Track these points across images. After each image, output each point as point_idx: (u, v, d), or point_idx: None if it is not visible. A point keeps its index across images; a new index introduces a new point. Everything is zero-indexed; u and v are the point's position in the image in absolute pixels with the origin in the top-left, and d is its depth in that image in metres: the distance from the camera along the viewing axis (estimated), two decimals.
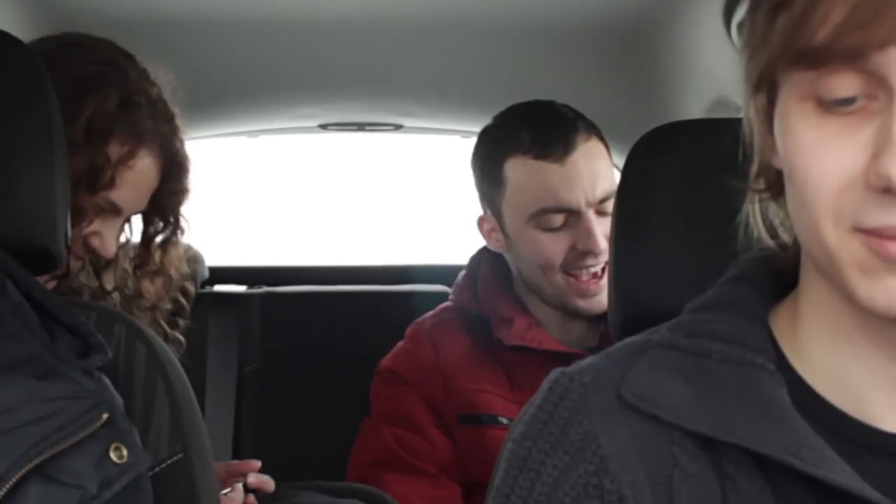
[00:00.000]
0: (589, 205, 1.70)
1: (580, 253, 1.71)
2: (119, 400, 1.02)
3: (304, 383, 2.32)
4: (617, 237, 1.15)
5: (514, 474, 0.82)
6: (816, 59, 0.68)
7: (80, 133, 1.35)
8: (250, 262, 2.79)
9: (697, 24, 1.78)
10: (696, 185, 1.09)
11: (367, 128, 2.54)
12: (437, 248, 3.40)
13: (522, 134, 1.73)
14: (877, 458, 0.76)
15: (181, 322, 1.64)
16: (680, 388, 0.79)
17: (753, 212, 0.83)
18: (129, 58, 1.46)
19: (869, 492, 0.72)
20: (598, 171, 1.72)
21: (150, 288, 1.54)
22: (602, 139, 1.77)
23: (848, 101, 0.69)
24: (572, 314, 1.77)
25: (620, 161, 1.23)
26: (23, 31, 1.27)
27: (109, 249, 1.43)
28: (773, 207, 0.82)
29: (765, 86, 0.75)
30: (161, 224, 1.54)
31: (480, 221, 1.84)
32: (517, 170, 1.74)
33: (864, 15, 0.66)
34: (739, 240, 0.84)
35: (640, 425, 0.79)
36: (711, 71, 1.85)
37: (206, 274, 2.47)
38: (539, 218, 1.72)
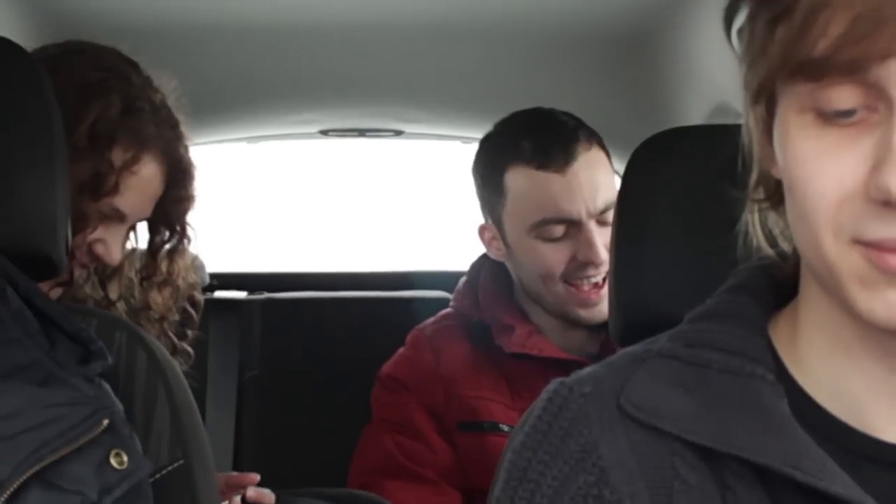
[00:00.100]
0: (590, 215, 1.70)
1: (581, 263, 1.71)
2: (119, 406, 1.02)
3: (304, 389, 2.32)
4: (617, 243, 1.15)
5: (514, 485, 0.82)
6: (816, 71, 0.68)
7: (84, 139, 1.35)
8: (251, 268, 2.79)
9: (698, 30, 1.78)
10: (697, 190, 1.09)
11: (368, 134, 2.54)
12: (438, 254, 3.40)
13: (523, 143, 1.73)
14: (877, 468, 0.76)
15: (190, 333, 1.62)
16: (680, 398, 0.79)
17: (752, 221, 0.83)
18: (132, 65, 1.46)
19: (870, 503, 0.72)
20: (598, 181, 1.72)
21: (158, 299, 1.53)
22: (603, 148, 1.76)
23: (848, 113, 0.69)
24: (573, 323, 1.77)
25: (621, 167, 1.23)
26: (26, 39, 1.27)
27: (114, 257, 1.42)
28: (772, 216, 0.82)
29: (764, 97, 0.75)
30: (167, 233, 1.53)
31: (481, 230, 1.84)
32: (518, 179, 1.73)
33: (864, 27, 0.66)
34: (739, 248, 0.84)
35: (640, 436, 0.79)
36: (712, 77, 1.85)
37: (207, 280, 2.47)
38: (540, 228, 1.72)
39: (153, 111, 1.43)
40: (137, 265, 1.54)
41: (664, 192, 1.12)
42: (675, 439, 0.78)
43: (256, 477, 1.63)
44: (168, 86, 1.49)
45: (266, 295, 2.48)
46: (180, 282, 1.56)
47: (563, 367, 1.68)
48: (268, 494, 1.62)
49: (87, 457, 0.95)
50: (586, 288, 1.73)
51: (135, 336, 1.13)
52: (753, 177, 0.81)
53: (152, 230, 1.53)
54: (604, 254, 1.67)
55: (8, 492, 0.88)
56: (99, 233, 1.40)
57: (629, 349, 0.87)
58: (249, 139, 2.65)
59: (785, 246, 0.83)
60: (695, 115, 1.96)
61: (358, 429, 1.87)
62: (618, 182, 1.24)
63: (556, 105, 1.80)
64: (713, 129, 1.28)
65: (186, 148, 1.50)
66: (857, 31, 0.66)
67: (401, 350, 1.89)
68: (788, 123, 0.72)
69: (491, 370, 1.78)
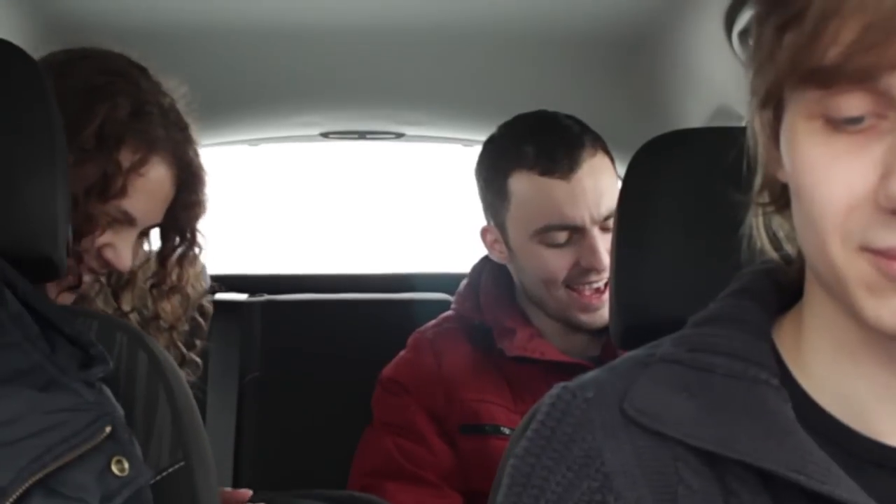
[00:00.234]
0: (593, 222, 1.70)
1: (583, 269, 1.71)
2: (120, 411, 1.02)
3: (305, 392, 2.32)
4: (618, 245, 1.15)
5: (518, 491, 0.81)
6: (826, 78, 0.68)
7: (91, 140, 1.35)
8: (252, 270, 2.79)
9: (698, 33, 1.78)
10: (697, 193, 1.09)
11: (369, 136, 2.54)
12: (439, 256, 3.40)
13: (527, 148, 1.72)
14: (882, 473, 0.76)
15: (199, 343, 1.62)
16: (683, 403, 0.79)
17: (757, 224, 0.82)
18: (141, 70, 1.46)
19: None
20: (603, 187, 1.71)
21: (167, 307, 1.52)
22: (607, 153, 1.76)
23: (857, 120, 0.68)
24: (574, 327, 1.77)
25: (621, 169, 1.23)
26: (26, 41, 1.27)
27: (124, 262, 1.41)
28: (777, 219, 0.82)
29: (772, 102, 0.74)
30: (177, 239, 1.52)
31: (484, 232, 1.84)
32: (522, 185, 1.73)
33: (876, 36, 0.65)
34: (743, 252, 0.84)
35: (644, 441, 0.79)
36: (712, 80, 1.85)
37: (208, 282, 2.47)
38: (543, 234, 1.72)
39: (162, 114, 1.43)
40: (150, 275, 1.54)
41: (664, 195, 1.12)
42: (678, 444, 0.78)
43: (249, 492, 1.62)
44: (178, 91, 1.49)
45: (267, 297, 2.47)
46: (189, 289, 1.55)
47: (565, 370, 1.69)
48: None
49: (88, 464, 0.94)
50: (588, 293, 1.73)
51: (136, 338, 1.13)
52: (758, 180, 0.81)
53: (163, 237, 1.52)
54: (607, 260, 1.67)
55: (11, 499, 0.88)
56: (108, 237, 1.39)
57: (631, 353, 0.87)
58: (250, 141, 2.65)
59: (789, 249, 0.83)
60: (695, 117, 1.96)
61: (359, 431, 1.87)
62: (619, 184, 1.24)
63: (556, 108, 1.80)
64: (714, 131, 1.28)
65: (197, 152, 1.50)
66: (868, 39, 0.65)
67: (402, 353, 1.89)
68: (796, 129, 0.72)
69: (492, 373, 1.78)
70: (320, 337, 2.37)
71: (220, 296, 2.51)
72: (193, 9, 1.86)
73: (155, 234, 1.52)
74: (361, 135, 2.53)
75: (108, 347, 1.07)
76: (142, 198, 1.40)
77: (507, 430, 1.72)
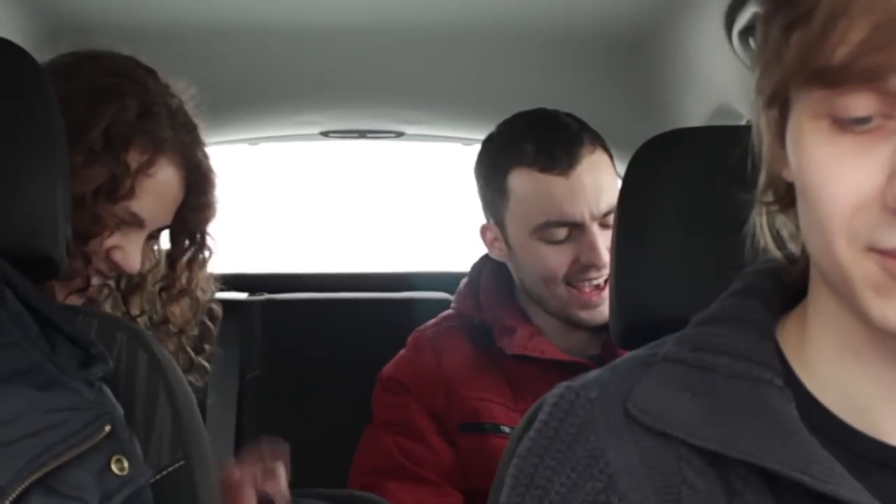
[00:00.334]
0: (593, 218, 1.70)
1: (583, 266, 1.71)
2: (120, 410, 1.02)
3: (305, 390, 2.32)
4: (618, 244, 1.15)
5: (521, 491, 0.81)
6: (834, 78, 0.68)
7: (99, 141, 1.35)
8: (252, 269, 2.79)
9: (698, 32, 1.78)
10: (697, 192, 1.09)
11: (369, 135, 2.54)
12: (439, 255, 3.40)
13: (527, 145, 1.73)
14: (886, 473, 0.76)
15: (208, 348, 1.60)
16: (687, 403, 0.79)
17: (760, 223, 0.82)
18: (149, 72, 1.46)
19: None
20: (602, 184, 1.71)
21: (177, 311, 1.51)
22: (606, 150, 1.76)
23: (864, 120, 0.68)
24: (574, 324, 1.77)
25: (621, 168, 1.23)
26: (27, 40, 1.28)
27: (132, 264, 1.41)
28: (780, 218, 0.82)
29: (778, 101, 0.74)
30: (187, 242, 1.52)
31: (483, 230, 1.84)
32: (521, 182, 1.73)
33: (884, 36, 0.65)
34: (746, 251, 0.84)
35: (648, 441, 0.79)
36: (713, 79, 1.85)
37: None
38: (543, 231, 1.72)
39: (170, 115, 1.43)
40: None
41: (664, 194, 1.12)
42: (682, 444, 0.78)
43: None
44: (187, 92, 1.49)
45: (267, 296, 2.47)
46: (199, 293, 1.54)
47: (565, 368, 1.69)
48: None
49: (88, 463, 0.94)
50: (588, 290, 1.73)
51: (136, 337, 1.13)
52: (762, 179, 0.81)
53: (173, 239, 1.51)
54: (606, 256, 1.67)
55: (10, 498, 0.88)
56: (116, 239, 1.39)
57: (633, 353, 0.87)
58: (250, 140, 2.65)
59: (793, 248, 0.83)
60: (695, 116, 1.96)
61: (359, 429, 1.87)
62: (619, 183, 1.24)
63: (557, 107, 1.80)
64: (714, 130, 1.28)
65: (206, 154, 1.49)
66: (877, 39, 0.65)
67: (402, 351, 1.89)
68: (803, 129, 0.72)
69: (492, 371, 1.78)
70: (320, 336, 2.37)
71: (220, 295, 2.51)
72: (192, 8, 1.86)
73: (165, 236, 1.52)
74: (361, 134, 2.53)
75: (108, 347, 1.07)
76: (150, 199, 1.40)
77: (506, 429, 1.72)
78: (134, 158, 1.38)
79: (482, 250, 1.89)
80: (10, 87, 1.07)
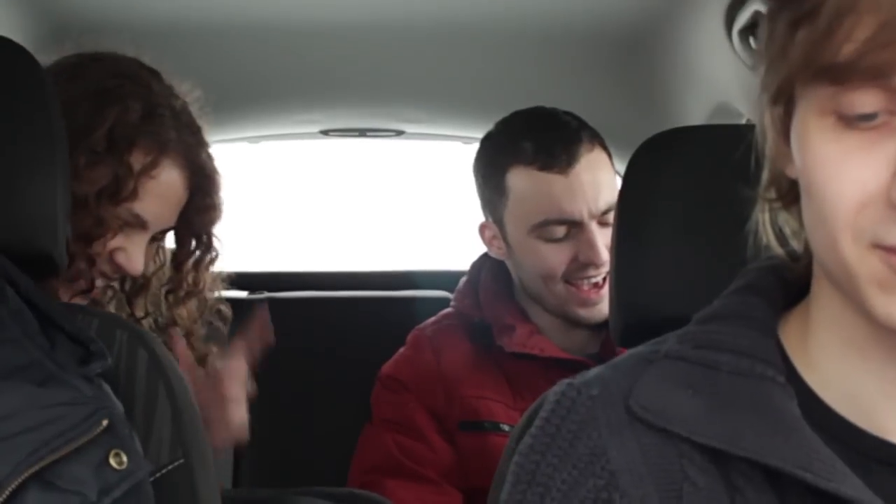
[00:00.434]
0: (592, 216, 1.70)
1: (582, 264, 1.71)
2: (119, 406, 1.02)
3: (305, 389, 2.32)
4: (618, 243, 1.15)
5: (523, 489, 0.81)
6: (840, 75, 0.68)
7: (102, 143, 1.34)
8: (252, 267, 2.79)
9: (698, 31, 1.78)
10: (697, 191, 1.09)
11: (369, 134, 2.54)
12: (439, 253, 3.40)
13: (525, 144, 1.73)
14: (888, 470, 0.76)
15: (215, 349, 1.60)
16: (689, 400, 0.79)
17: (763, 220, 0.82)
18: (153, 73, 1.45)
19: None
20: (600, 182, 1.71)
21: (183, 312, 1.51)
22: (605, 148, 1.76)
23: (869, 117, 0.68)
24: (573, 322, 1.77)
25: (621, 167, 1.23)
26: (26, 39, 1.28)
27: (136, 266, 1.40)
28: (782, 215, 0.82)
29: (783, 98, 0.74)
30: (193, 243, 1.51)
31: (482, 228, 1.84)
32: (520, 180, 1.73)
33: (891, 34, 0.65)
34: (749, 248, 0.84)
35: (649, 438, 0.79)
36: (712, 77, 1.85)
37: None
38: (541, 229, 1.72)
39: (173, 116, 1.42)
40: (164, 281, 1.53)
41: (664, 192, 1.12)
42: (683, 441, 0.78)
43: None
44: (191, 94, 1.48)
45: (267, 294, 2.47)
46: (206, 294, 1.54)
47: (564, 366, 1.69)
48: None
49: (86, 457, 0.94)
50: (586, 288, 1.73)
51: (136, 335, 1.13)
52: (766, 176, 0.81)
53: (178, 241, 1.51)
54: (605, 254, 1.67)
55: (6, 492, 0.88)
56: (119, 241, 1.38)
57: (635, 350, 0.87)
58: (250, 139, 2.65)
59: (795, 245, 0.83)
60: (695, 115, 1.96)
61: (359, 428, 1.87)
62: (619, 182, 1.24)
63: (556, 106, 1.80)
64: (714, 129, 1.28)
65: (210, 155, 1.48)
66: (883, 36, 0.65)
67: (401, 350, 1.89)
68: (808, 125, 0.72)
69: (492, 370, 1.78)
70: (321, 334, 2.37)
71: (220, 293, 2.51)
72: (192, 6, 1.86)
73: (171, 238, 1.51)
74: (361, 132, 2.53)
75: (108, 345, 1.07)
76: (153, 201, 1.39)
77: (506, 427, 1.72)
78: (137, 160, 1.37)
79: (482, 249, 1.89)
80: (10, 85, 1.07)
